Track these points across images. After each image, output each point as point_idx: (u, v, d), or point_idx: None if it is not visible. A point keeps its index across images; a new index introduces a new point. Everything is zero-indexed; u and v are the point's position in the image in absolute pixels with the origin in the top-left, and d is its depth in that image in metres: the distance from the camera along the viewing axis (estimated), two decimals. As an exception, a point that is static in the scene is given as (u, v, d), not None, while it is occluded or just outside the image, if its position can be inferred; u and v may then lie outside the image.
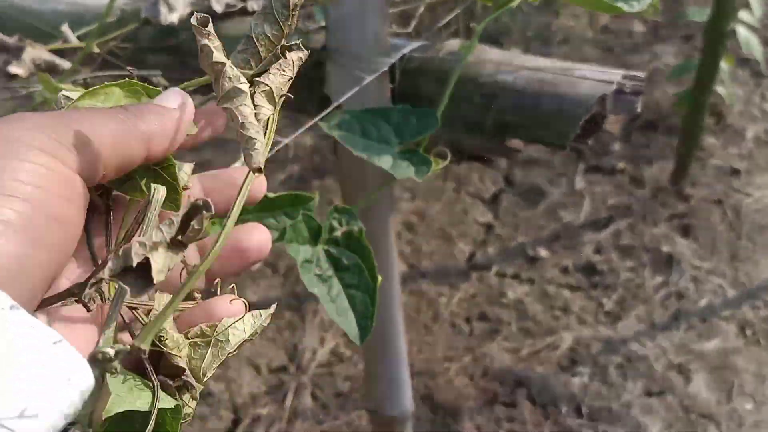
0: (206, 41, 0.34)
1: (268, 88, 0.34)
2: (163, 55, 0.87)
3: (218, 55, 0.34)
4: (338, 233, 0.55)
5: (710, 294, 1.88)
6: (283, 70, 0.35)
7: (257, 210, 0.54)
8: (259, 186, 0.39)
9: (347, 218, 0.55)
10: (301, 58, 0.36)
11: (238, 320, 0.35)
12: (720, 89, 2.28)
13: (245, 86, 0.34)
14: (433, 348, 1.76)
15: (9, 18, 0.95)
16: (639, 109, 0.66)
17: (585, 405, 1.62)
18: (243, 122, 0.33)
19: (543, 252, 2.03)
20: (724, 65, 2.26)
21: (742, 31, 2.09)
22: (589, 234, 2.06)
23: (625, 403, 1.63)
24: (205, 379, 0.35)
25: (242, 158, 0.34)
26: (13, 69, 0.75)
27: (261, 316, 0.36)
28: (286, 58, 0.35)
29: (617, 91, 0.66)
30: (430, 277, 1.96)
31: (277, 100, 0.35)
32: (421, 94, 0.70)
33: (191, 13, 0.83)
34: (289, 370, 1.71)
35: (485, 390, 1.66)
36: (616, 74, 0.67)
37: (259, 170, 0.33)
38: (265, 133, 0.34)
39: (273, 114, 0.35)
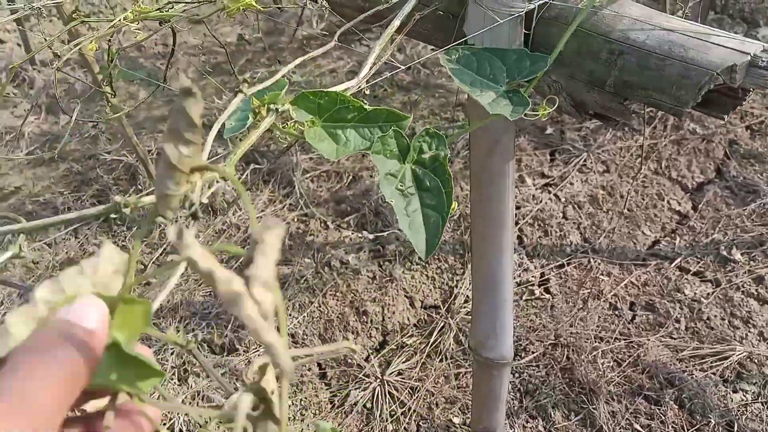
0: (189, 253, 0.33)
1: (262, 279, 0.32)
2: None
3: (203, 264, 0.32)
4: (426, 156, 0.59)
5: None
6: (266, 254, 0.33)
7: (355, 120, 0.59)
8: None
9: (436, 143, 0.59)
10: (280, 235, 0.34)
11: None
12: None
13: (240, 285, 0.31)
14: (586, 324, 1.72)
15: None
16: None
17: (739, 424, 1.49)
18: (254, 329, 0.31)
19: (738, 255, 1.84)
20: None
21: None
22: (802, 247, 1.82)
23: (788, 435, 1.46)
24: None
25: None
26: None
27: None
28: (263, 242, 0.33)
29: (751, 63, 0.60)
30: (602, 254, 1.90)
31: (273, 285, 0.33)
32: (553, 43, 0.70)
33: None
34: (440, 310, 1.79)
35: (631, 379, 1.60)
36: (755, 45, 0.61)
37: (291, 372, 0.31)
38: (278, 328, 0.32)
39: (275, 304, 0.32)
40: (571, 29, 0.64)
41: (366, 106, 0.59)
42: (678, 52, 0.63)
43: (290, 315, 1.77)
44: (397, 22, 0.69)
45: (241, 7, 0.76)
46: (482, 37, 0.71)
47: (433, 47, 0.83)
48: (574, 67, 0.70)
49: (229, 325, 1.75)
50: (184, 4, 0.84)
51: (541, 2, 0.68)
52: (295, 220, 2.07)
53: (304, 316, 1.77)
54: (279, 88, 0.58)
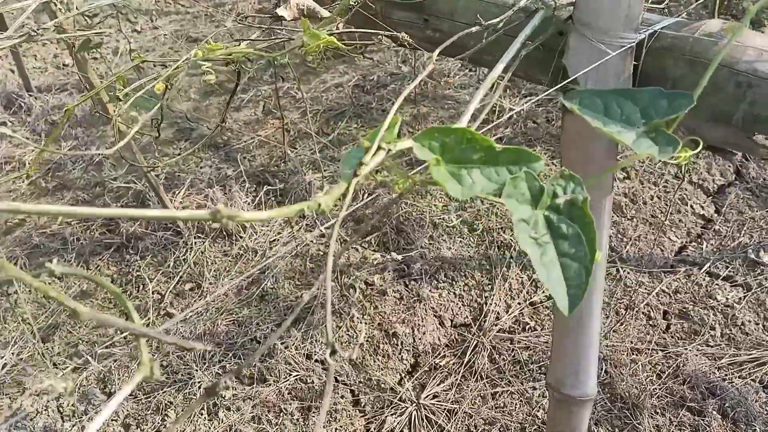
0: None
1: None
2: (407, 11, 0.92)
3: None
4: (561, 200, 0.54)
5: None
6: None
7: (481, 162, 0.54)
8: None
9: (573, 186, 0.55)
10: None
11: None
12: None
13: None
14: (622, 337, 1.69)
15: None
16: None
17: (788, 433, 1.46)
18: None
19: (767, 258, 1.82)
20: None
21: None
22: (831, 247, 1.80)
23: (839, 442, 1.44)
24: None
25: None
26: (280, 11, 0.84)
27: None
28: None
29: None
30: (631, 263, 1.87)
31: None
32: (666, 75, 0.66)
33: None
34: (471, 328, 1.76)
35: (672, 391, 1.57)
36: None
37: None
38: None
39: None
40: (714, 65, 0.60)
41: (495, 146, 0.54)
42: None
43: (318, 341, 1.72)
44: (501, 66, 0.65)
45: (323, 46, 0.72)
46: (589, 72, 0.67)
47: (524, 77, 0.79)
48: (697, 102, 0.67)
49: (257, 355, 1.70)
50: (248, 42, 0.80)
51: (651, 31, 0.65)
52: (314, 241, 2.02)
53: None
54: (392, 128, 0.54)
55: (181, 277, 1.97)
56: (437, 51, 0.71)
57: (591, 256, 0.52)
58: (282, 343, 1.71)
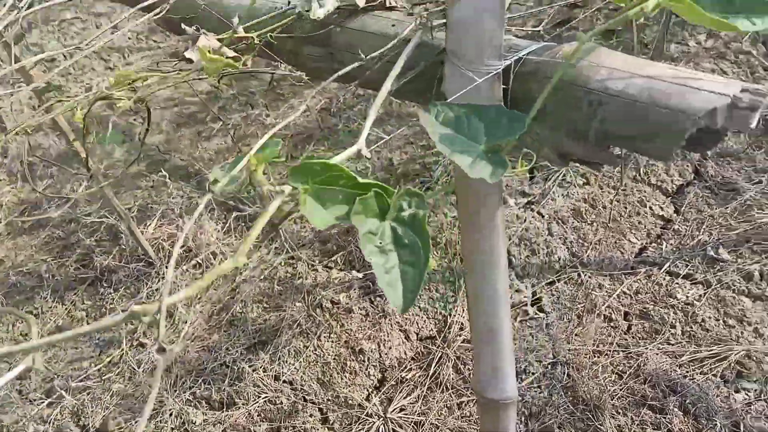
0: None
1: None
2: (316, 47, 0.96)
3: None
4: (405, 214, 0.59)
5: None
6: None
7: (344, 192, 0.59)
8: None
9: (416, 201, 0.59)
10: None
11: None
12: None
13: None
14: (583, 339, 1.72)
15: (206, 10, 1.11)
16: (755, 125, 0.60)
17: (744, 423, 1.48)
18: None
19: (726, 254, 1.85)
20: None
21: None
22: (786, 240, 1.83)
23: (796, 431, 1.46)
24: None
25: None
26: (188, 54, 0.89)
27: None
28: None
29: (731, 105, 0.61)
30: (592, 267, 1.90)
31: None
32: (532, 97, 0.70)
33: (338, 8, 0.91)
34: (436, 340, 1.78)
35: (634, 391, 1.59)
36: (734, 86, 0.61)
37: None
38: None
39: None
40: (548, 88, 0.64)
41: (358, 179, 0.60)
42: (659, 98, 0.63)
43: (286, 362, 1.75)
44: (388, 84, 0.70)
45: (220, 69, 0.76)
46: (461, 97, 0.71)
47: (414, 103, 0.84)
48: (556, 120, 0.71)
49: (226, 379, 1.73)
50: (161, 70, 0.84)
51: (515, 58, 0.69)
52: (283, 264, 2.06)
53: (301, 362, 1.75)
54: (274, 145, 0.60)
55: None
56: (330, 79, 0.76)
57: (426, 264, 0.56)
58: (250, 366, 1.74)
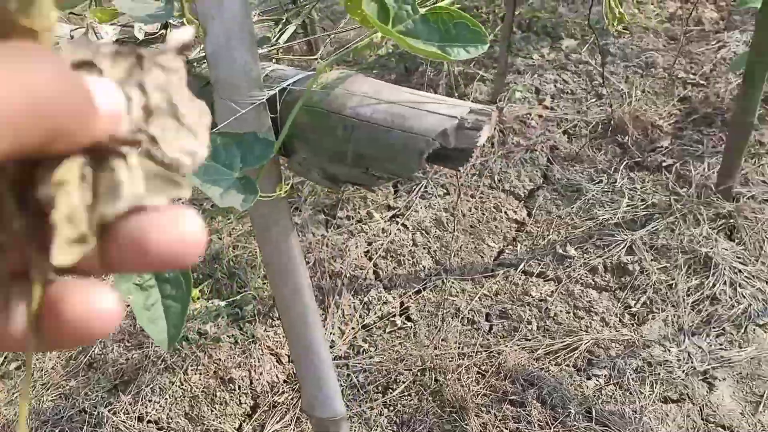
0: None
1: None
2: None
3: None
4: None
5: (749, 299, 1.78)
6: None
7: None
8: None
9: None
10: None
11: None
12: (785, 79, 2.12)
13: None
14: (448, 343, 1.78)
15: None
16: (480, 143, 0.66)
17: (596, 408, 1.59)
18: None
19: (573, 251, 1.99)
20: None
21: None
22: (624, 233, 1.99)
23: (638, 408, 1.58)
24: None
25: None
26: None
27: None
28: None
29: (459, 125, 0.66)
30: (454, 273, 1.98)
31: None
32: (297, 124, 0.73)
33: (118, 41, 0.91)
34: (307, 360, 1.78)
35: (496, 388, 1.67)
36: (463, 108, 0.67)
37: None
38: None
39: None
40: (293, 114, 0.67)
41: None
42: (399, 122, 0.69)
43: (150, 400, 1.68)
44: None
45: None
46: (231, 128, 0.72)
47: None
48: (317, 144, 0.74)
49: (85, 426, 1.64)
50: None
51: (280, 88, 0.71)
52: (147, 298, 1.99)
53: (166, 398, 1.69)
54: None
55: (6, 356, 1.87)
56: None
57: (188, 297, 0.57)
58: (110, 410, 1.66)
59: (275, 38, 1.00)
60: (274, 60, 0.94)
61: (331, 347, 1.80)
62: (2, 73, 0.19)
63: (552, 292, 1.89)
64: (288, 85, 0.73)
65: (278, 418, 1.65)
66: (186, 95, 0.26)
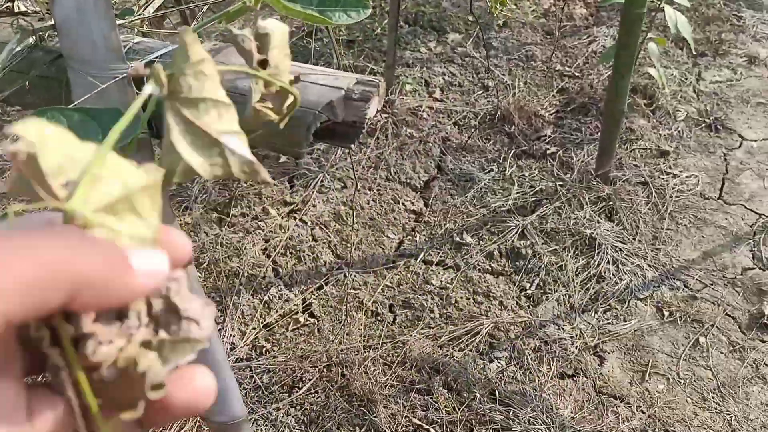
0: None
1: None
2: None
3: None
4: None
5: (630, 275, 1.90)
6: None
7: None
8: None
9: None
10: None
11: None
12: (651, 71, 2.28)
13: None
14: (354, 338, 1.77)
15: None
16: (370, 115, 0.66)
17: (499, 389, 1.64)
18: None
19: (469, 238, 2.04)
20: (654, 47, 2.27)
21: (669, 11, 2.09)
22: (516, 219, 2.07)
23: (538, 386, 1.65)
24: None
25: None
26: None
27: None
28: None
29: (346, 97, 0.65)
30: (356, 267, 1.97)
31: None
32: None
33: None
34: (207, 364, 1.71)
35: (402, 378, 1.68)
36: (349, 79, 0.66)
37: None
38: None
39: None
40: (145, 93, 0.63)
41: None
42: None
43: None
44: None
45: None
46: (92, 104, 0.66)
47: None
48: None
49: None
50: None
51: (146, 62, 0.66)
52: None
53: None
54: None
55: None
56: None
57: None
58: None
59: (142, 9, 0.93)
60: (140, 33, 0.88)
61: (231, 349, 1.74)
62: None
63: (452, 279, 1.93)
64: (155, 58, 0.67)
65: (178, 428, 1.57)
66: (186, 293, 0.31)
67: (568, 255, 1.96)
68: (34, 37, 0.69)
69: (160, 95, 0.36)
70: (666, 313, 1.81)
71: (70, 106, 0.63)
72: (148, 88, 0.35)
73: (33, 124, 0.28)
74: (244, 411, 1.04)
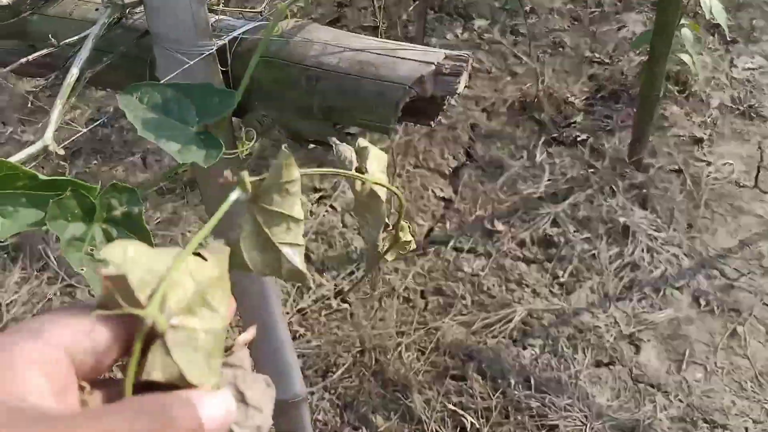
0: None
1: None
2: (11, 40, 0.84)
3: None
4: (117, 212, 0.53)
5: (665, 264, 1.88)
6: None
7: (34, 187, 0.51)
8: None
9: (127, 198, 0.54)
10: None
11: None
12: (685, 57, 2.25)
13: None
14: (387, 324, 1.76)
15: None
16: (460, 90, 0.65)
17: (534, 377, 1.63)
18: None
19: (500, 226, 2.03)
20: (688, 32, 2.23)
21: (705, -4, 2.05)
22: (548, 206, 2.05)
23: (573, 374, 1.64)
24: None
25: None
26: None
27: None
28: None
29: (436, 71, 0.64)
30: (386, 253, 1.96)
31: None
32: (253, 77, 0.68)
33: None
34: (241, 349, 1.71)
35: (436, 364, 1.67)
36: (438, 54, 0.65)
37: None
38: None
39: None
40: (253, 63, 0.62)
41: (40, 176, 0.51)
42: (370, 70, 0.64)
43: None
44: (75, 71, 0.61)
45: None
46: (176, 82, 0.65)
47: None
48: (279, 99, 0.69)
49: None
50: None
51: (230, 38, 0.66)
52: (59, 294, 1.84)
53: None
54: None
55: None
56: (9, 68, 0.66)
57: None
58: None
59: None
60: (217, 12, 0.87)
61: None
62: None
63: (483, 266, 1.92)
64: (239, 34, 0.67)
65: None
66: (250, 377, 0.34)
67: (601, 243, 1.94)
68: (121, 12, 0.68)
69: (244, 199, 0.40)
70: (703, 303, 1.79)
71: (160, 82, 0.63)
72: (235, 194, 0.39)
73: (116, 247, 0.31)
74: (304, 390, 1.04)
